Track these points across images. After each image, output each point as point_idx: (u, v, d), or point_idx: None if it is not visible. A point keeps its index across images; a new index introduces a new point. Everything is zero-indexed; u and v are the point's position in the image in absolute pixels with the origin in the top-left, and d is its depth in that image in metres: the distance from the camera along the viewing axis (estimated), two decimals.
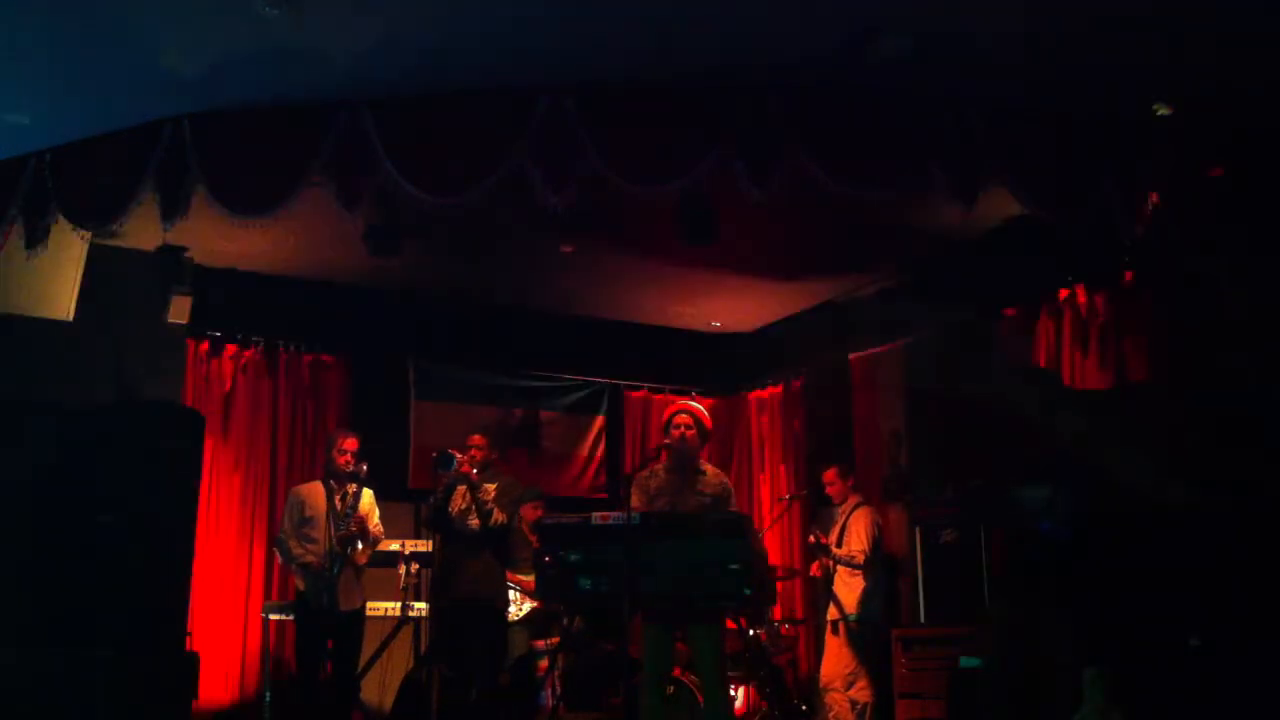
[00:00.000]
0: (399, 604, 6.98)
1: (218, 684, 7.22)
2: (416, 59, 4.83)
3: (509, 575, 6.60)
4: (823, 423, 8.54)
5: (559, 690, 6.63)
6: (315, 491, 6.45)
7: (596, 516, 4.86)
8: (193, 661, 6.74)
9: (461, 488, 6.20)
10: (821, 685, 7.06)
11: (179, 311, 7.11)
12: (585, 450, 9.21)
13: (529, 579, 6.63)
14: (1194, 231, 5.29)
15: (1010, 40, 4.64)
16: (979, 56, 4.79)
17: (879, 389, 8.12)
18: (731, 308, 8.66)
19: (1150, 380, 5.99)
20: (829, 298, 8.32)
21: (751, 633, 6.92)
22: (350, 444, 6.47)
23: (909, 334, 7.86)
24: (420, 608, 6.99)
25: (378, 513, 6.59)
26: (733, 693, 6.66)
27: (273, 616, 7.01)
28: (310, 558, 6.28)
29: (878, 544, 7.08)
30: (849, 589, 7.03)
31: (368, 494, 6.52)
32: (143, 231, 5.95)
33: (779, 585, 7.64)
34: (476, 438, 6.36)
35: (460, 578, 6.15)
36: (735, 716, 6.38)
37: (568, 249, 7.24)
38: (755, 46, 4.72)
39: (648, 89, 5.00)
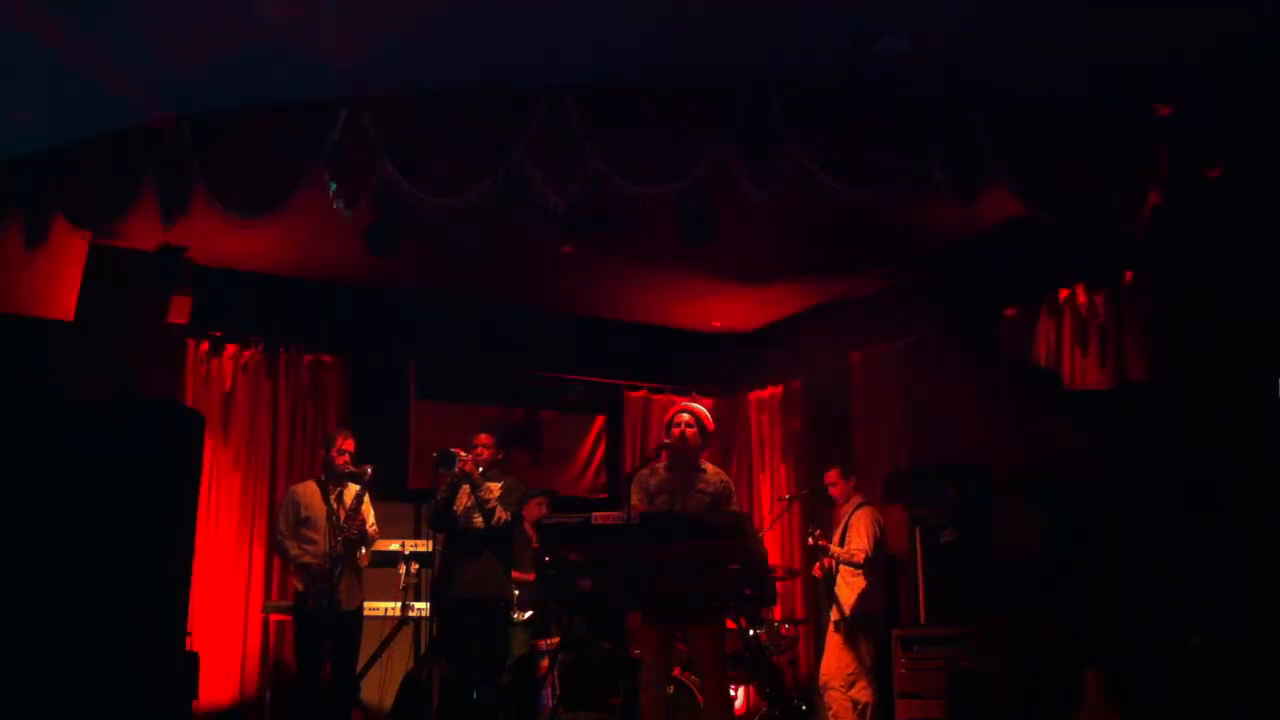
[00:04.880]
0: (399, 604, 6.98)
1: (218, 684, 7.22)
2: (416, 59, 4.83)
3: (514, 575, 6.60)
4: (823, 423, 8.55)
5: (559, 690, 6.63)
6: (311, 491, 6.46)
7: (596, 516, 4.86)
8: (193, 661, 6.75)
9: (465, 486, 6.20)
10: (821, 685, 7.06)
11: (179, 311, 7.10)
12: (585, 450, 9.21)
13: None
14: (1194, 231, 5.29)
15: (1010, 40, 4.64)
16: (979, 56, 4.79)
17: (879, 389, 8.12)
18: (731, 308, 8.66)
19: (1150, 380, 5.99)
20: (829, 298, 8.32)
21: (751, 633, 6.92)
22: (349, 444, 6.48)
23: (909, 334, 7.86)
24: (420, 608, 7.00)
25: (373, 513, 6.59)
26: (733, 693, 6.66)
27: (273, 616, 7.01)
28: (308, 558, 6.29)
29: (879, 544, 7.08)
30: (850, 589, 7.03)
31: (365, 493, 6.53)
32: (143, 231, 5.96)
33: (779, 585, 7.63)
34: (483, 436, 6.35)
35: (462, 577, 6.15)
36: (735, 716, 6.38)
37: (568, 249, 7.24)
38: (755, 46, 4.72)
39: (647, 89, 5.01)
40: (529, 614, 7.00)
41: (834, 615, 7.11)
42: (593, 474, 9.18)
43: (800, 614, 8.22)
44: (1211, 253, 5.52)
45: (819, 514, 7.64)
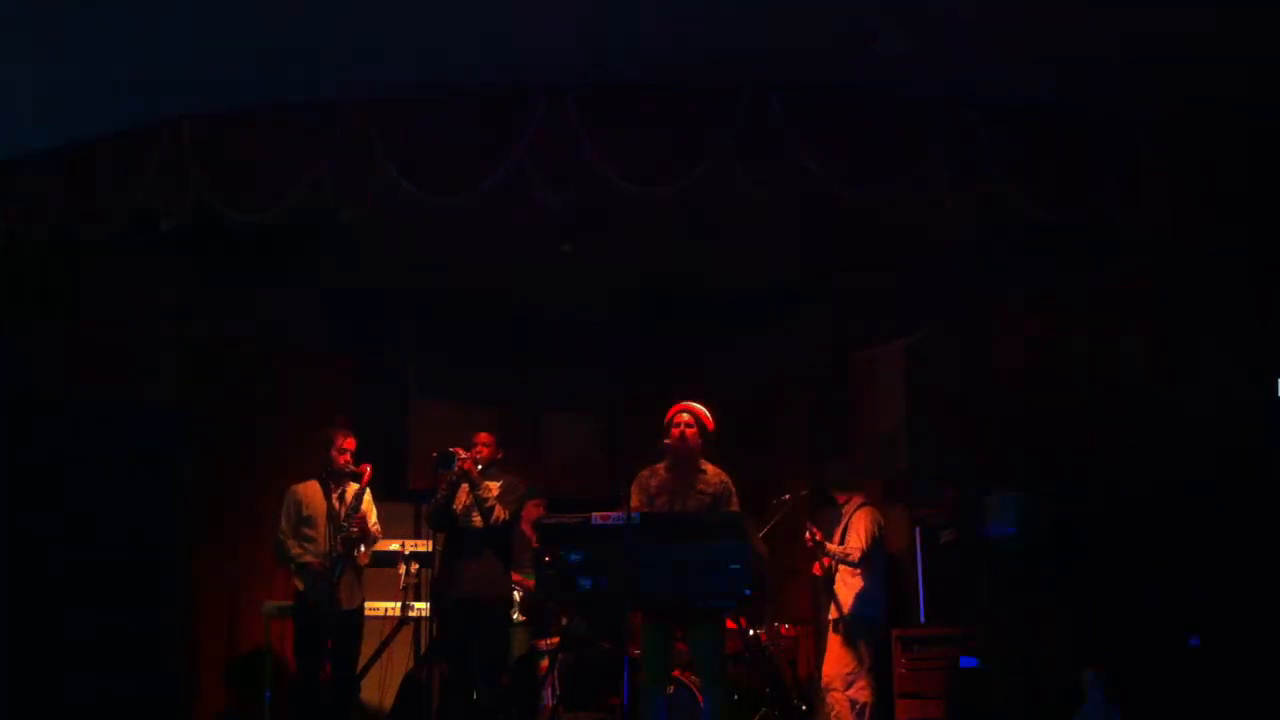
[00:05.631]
0: (399, 604, 6.98)
1: (218, 683, 7.22)
2: (417, 59, 4.83)
3: (513, 575, 6.60)
4: (823, 423, 8.54)
5: (559, 690, 6.63)
6: (312, 491, 6.46)
7: (596, 516, 4.86)
8: (193, 661, 6.75)
9: (465, 485, 6.20)
10: (824, 685, 7.06)
11: (180, 311, 7.10)
12: (585, 450, 9.20)
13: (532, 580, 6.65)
14: (1194, 231, 5.29)
15: (1010, 40, 4.64)
16: (979, 56, 4.79)
17: (879, 389, 8.12)
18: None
19: (1150, 380, 6.00)
20: (829, 297, 8.31)
21: (751, 633, 6.92)
22: (349, 443, 6.48)
23: (909, 334, 7.86)
24: (420, 608, 7.00)
25: (375, 511, 6.59)
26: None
27: (273, 617, 7.01)
28: (309, 557, 6.30)
29: (878, 543, 7.07)
30: (849, 588, 7.03)
31: (365, 492, 6.53)
32: (143, 231, 5.95)
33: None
34: (483, 435, 6.36)
35: (462, 577, 6.15)
36: (735, 716, 6.37)
37: (567, 248, 7.24)
38: (755, 46, 4.72)
39: (648, 89, 5.01)
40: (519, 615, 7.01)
41: (832, 614, 7.11)
42: (593, 474, 9.17)
43: (800, 614, 8.21)
44: (1211, 253, 5.53)
45: (824, 514, 7.63)
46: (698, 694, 5.81)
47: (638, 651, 5.30)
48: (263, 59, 4.75)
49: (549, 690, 6.67)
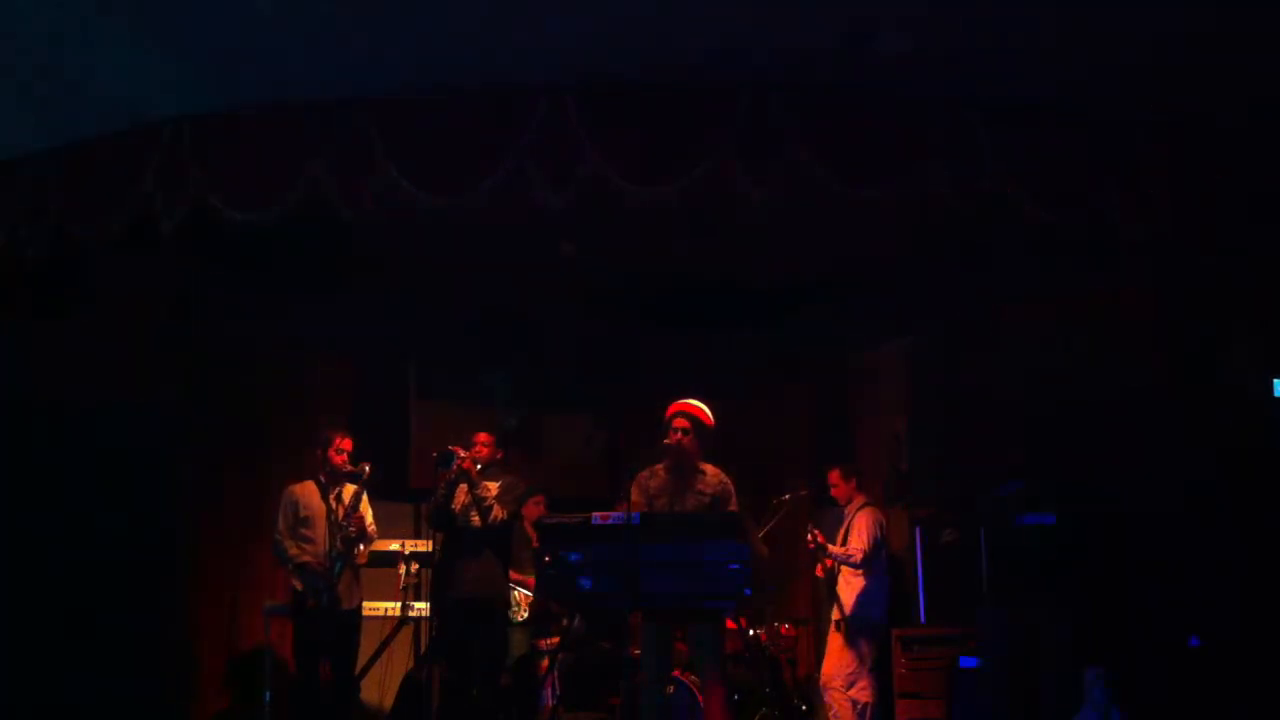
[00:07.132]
0: (399, 604, 6.98)
1: (217, 684, 7.23)
2: (417, 59, 4.83)
3: (512, 574, 6.60)
4: (824, 423, 8.54)
5: (559, 690, 6.63)
6: (309, 491, 6.47)
7: (596, 516, 4.87)
8: (193, 661, 6.75)
9: (463, 485, 6.21)
10: (822, 685, 7.07)
11: (181, 311, 7.10)
12: (585, 450, 9.20)
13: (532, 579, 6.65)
14: (1194, 231, 5.29)
15: (1010, 40, 4.64)
16: (979, 56, 4.79)
17: (879, 389, 8.12)
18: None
19: (1150, 380, 6.00)
20: (828, 297, 8.30)
21: (751, 633, 6.92)
22: (346, 443, 6.49)
23: (909, 334, 7.85)
24: (420, 608, 6.99)
25: (370, 512, 6.60)
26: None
27: (273, 616, 7.01)
28: (307, 557, 6.30)
29: (879, 544, 7.08)
30: (851, 588, 7.04)
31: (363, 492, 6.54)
32: (143, 231, 5.95)
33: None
34: (482, 435, 6.37)
35: (462, 577, 6.15)
36: (735, 716, 6.38)
37: (568, 250, 7.23)
38: (755, 46, 4.72)
39: (648, 89, 5.00)
40: (526, 614, 7.01)
41: (835, 615, 7.12)
42: (593, 474, 9.17)
43: (800, 614, 8.22)
44: (1211, 253, 5.53)
45: (824, 515, 7.63)
46: (698, 694, 5.81)
47: (638, 651, 5.31)
48: (263, 59, 4.75)
49: (549, 690, 6.67)
